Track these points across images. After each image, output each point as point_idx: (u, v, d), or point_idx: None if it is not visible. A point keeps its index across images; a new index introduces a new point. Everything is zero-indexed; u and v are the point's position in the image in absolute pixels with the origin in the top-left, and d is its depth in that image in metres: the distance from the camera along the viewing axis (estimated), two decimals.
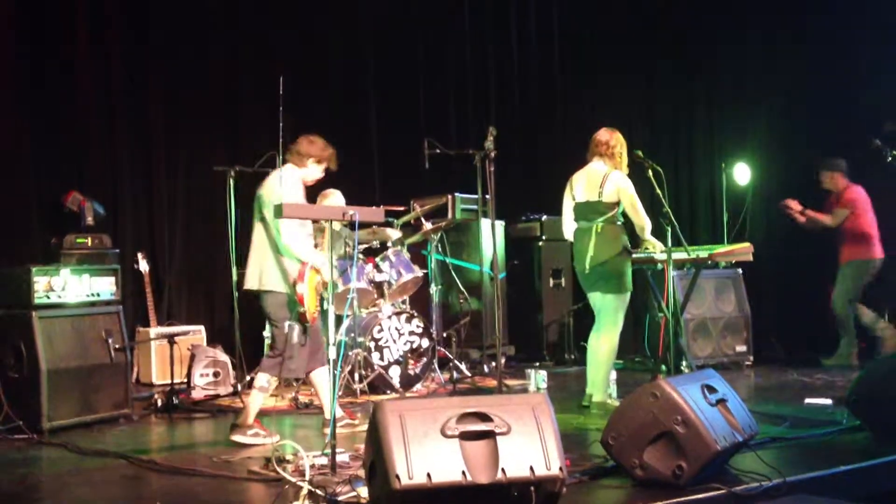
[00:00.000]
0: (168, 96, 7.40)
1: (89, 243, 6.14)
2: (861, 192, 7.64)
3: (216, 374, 6.45)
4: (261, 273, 4.89)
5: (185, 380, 6.41)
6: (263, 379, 4.91)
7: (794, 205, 7.62)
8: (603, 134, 5.76)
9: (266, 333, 6.61)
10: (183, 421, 5.72)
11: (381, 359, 6.38)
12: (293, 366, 4.89)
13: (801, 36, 8.69)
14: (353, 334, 6.43)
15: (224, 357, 6.55)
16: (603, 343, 5.60)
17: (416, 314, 6.63)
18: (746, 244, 6.11)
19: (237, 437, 4.79)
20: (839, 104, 8.47)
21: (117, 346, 5.59)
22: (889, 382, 4.56)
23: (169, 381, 6.03)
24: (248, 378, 6.37)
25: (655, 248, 5.72)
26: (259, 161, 6.45)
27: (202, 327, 7.08)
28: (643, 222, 5.63)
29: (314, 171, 5.12)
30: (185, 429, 5.53)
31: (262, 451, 4.54)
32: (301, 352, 4.89)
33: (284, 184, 4.83)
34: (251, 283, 4.95)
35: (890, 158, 6.92)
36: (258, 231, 4.95)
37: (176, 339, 6.21)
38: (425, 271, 7.07)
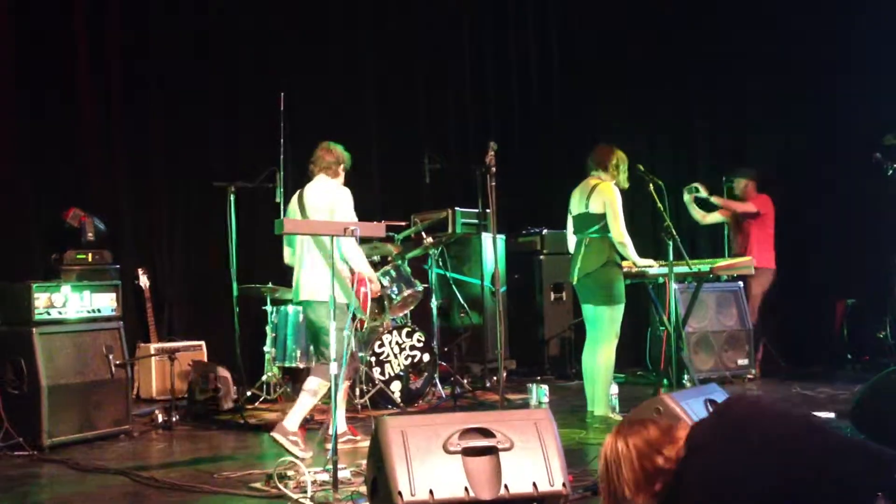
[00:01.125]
0: (168, 111, 7.41)
1: (90, 259, 6.13)
2: (770, 203, 7.66)
3: (217, 390, 6.43)
4: (317, 283, 4.92)
5: (186, 395, 6.38)
6: (315, 382, 4.83)
7: (703, 189, 7.43)
8: (600, 149, 5.82)
9: (267, 348, 6.60)
10: (184, 437, 5.69)
11: (383, 374, 6.36)
12: (349, 370, 4.95)
13: (800, 51, 8.70)
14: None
15: (225, 372, 6.53)
16: (599, 357, 5.60)
17: (417, 329, 6.62)
18: (747, 258, 6.12)
19: (278, 436, 4.68)
20: (837, 117, 8.49)
21: (118, 362, 5.58)
22: (889, 397, 4.53)
23: (169, 397, 6.01)
24: (248, 393, 6.36)
25: (641, 266, 5.73)
26: (260, 177, 6.49)
27: (203, 342, 7.05)
28: (621, 237, 5.59)
29: (343, 177, 5.23)
30: (186, 445, 5.51)
31: (266, 466, 4.52)
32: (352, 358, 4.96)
33: (345, 202, 5.00)
34: (307, 294, 5.00)
35: (891, 172, 6.93)
36: (310, 244, 4.98)
37: (176, 354, 6.20)
38: (426, 286, 7.06)
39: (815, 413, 5.58)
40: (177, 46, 7.45)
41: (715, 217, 6.60)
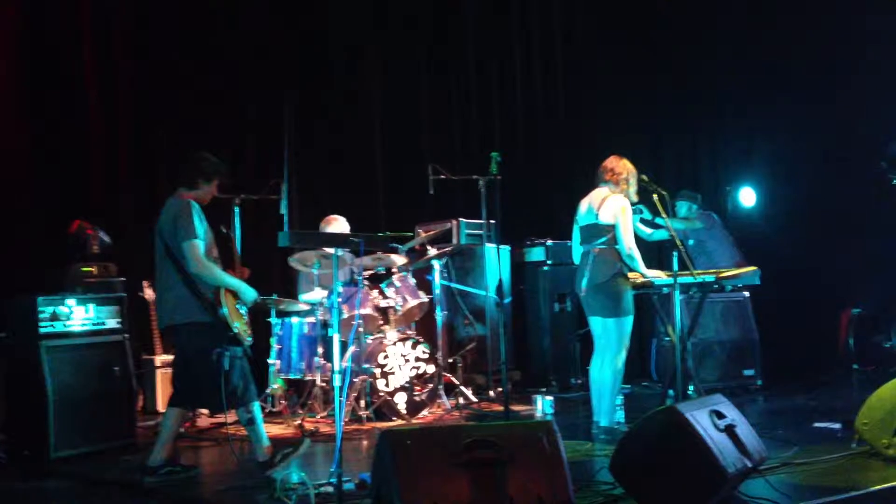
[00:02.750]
0: (171, 124, 7.43)
1: (95, 272, 6.13)
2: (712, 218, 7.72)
3: None
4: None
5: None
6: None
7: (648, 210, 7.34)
8: (610, 161, 5.79)
9: (272, 360, 6.60)
10: (188, 449, 5.68)
11: (387, 385, 6.35)
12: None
13: (804, 60, 8.71)
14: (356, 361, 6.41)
15: None
16: (607, 369, 5.57)
17: (421, 340, 6.61)
18: (752, 267, 6.10)
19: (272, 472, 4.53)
20: (842, 124, 8.48)
21: (123, 375, 5.58)
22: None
23: None
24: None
25: (648, 277, 5.72)
26: (265, 189, 6.50)
27: None
28: (629, 250, 5.57)
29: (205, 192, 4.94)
30: (191, 457, 5.49)
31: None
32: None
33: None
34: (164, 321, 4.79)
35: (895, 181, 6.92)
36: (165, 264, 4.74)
37: None
38: (431, 297, 7.06)
39: (821, 423, 5.57)
40: (182, 57, 7.47)
41: (661, 234, 6.59)
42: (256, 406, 4.77)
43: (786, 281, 7.72)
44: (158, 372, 6.75)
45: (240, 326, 4.71)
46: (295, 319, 6.68)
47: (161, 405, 6.72)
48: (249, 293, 4.82)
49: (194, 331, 4.65)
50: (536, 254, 8.30)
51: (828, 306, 8.25)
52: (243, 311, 4.83)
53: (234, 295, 4.75)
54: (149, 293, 6.80)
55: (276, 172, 6.50)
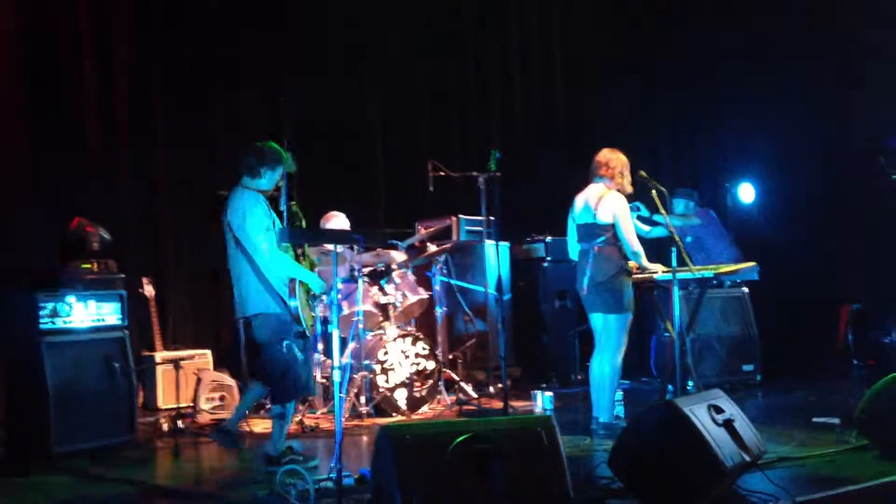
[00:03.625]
0: (171, 121, 7.44)
1: (95, 269, 6.14)
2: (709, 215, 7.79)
3: (222, 398, 6.45)
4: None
5: (191, 404, 6.40)
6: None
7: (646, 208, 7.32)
8: (603, 154, 5.77)
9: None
10: (189, 445, 5.70)
11: (387, 381, 6.36)
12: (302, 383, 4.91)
13: (802, 52, 8.70)
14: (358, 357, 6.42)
15: (230, 381, 6.56)
16: (606, 365, 5.59)
17: (421, 336, 6.63)
18: (751, 263, 6.11)
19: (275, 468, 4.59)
20: (841, 121, 8.49)
21: (123, 371, 5.59)
22: (895, 402, 4.53)
23: (175, 406, 6.02)
24: (267, 406, 6.34)
25: (650, 270, 5.73)
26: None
27: (208, 351, 7.06)
28: (634, 247, 5.58)
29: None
30: (191, 453, 5.52)
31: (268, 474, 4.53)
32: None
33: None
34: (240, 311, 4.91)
35: (894, 176, 6.93)
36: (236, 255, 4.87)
37: (182, 363, 6.19)
38: (430, 293, 7.07)
39: (820, 419, 5.58)
40: (181, 54, 7.47)
41: (659, 231, 6.60)
42: (292, 403, 4.96)
43: (785, 277, 7.72)
44: (159, 368, 6.75)
45: (307, 321, 4.85)
46: None
47: (162, 401, 6.74)
48: (318, 284, 4.90)
49: (265, 322, 4.78)
50: (536, 250, 8.31)
51: (827, 302, 8.25)
52: (312, 303, 4.95)
53: (306, 288, 4.88)
54: (149, 289, 6.82)
55: None
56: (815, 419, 5.63)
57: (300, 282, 4.84)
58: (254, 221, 4.72)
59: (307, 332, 4.89)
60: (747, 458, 3.87)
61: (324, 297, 6.54)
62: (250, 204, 4.77)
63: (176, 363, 6.11)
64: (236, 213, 4.78)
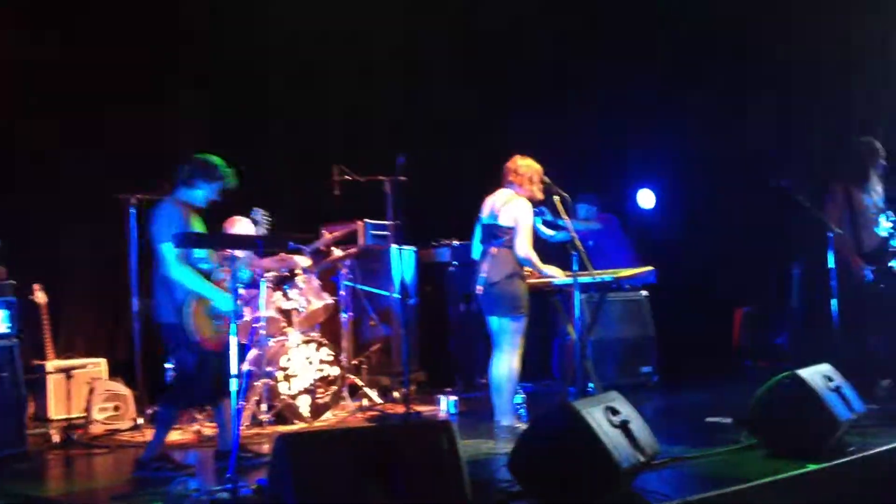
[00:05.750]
0: (64, 123, 7.15)
1: None
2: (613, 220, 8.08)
3: (117, 408, 6.27)
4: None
5: (84, 414, 6.19)
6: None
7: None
8: (513, 162, 5.89)
9: (169, 365, 6.44)
10: (81, 457, 5.52)
11: (290, 388, 6.28)
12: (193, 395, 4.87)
13: (708, 67, 8.93)
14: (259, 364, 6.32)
15: (125, 390, 6.37)
16: (503, 367, 5.66)
17: (325, 342, 6.56)
18: (649, 267, 6.27)
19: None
20: (736, 132, 8.77)
21: (12, 381, 5.38)
22: (785, 401, 4.70)
23: (66, 416, 5.82)
24: (149, 411, 6.19)
25: (547, 275, 5.82)
26: (162, 188, 6.33)
27: (103, 360, 6.83)
28: (525, 254, 5.66)
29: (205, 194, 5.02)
30: (83, 465, 5.34)
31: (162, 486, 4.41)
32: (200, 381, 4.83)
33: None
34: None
35: (781, 184, 7.19)
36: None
37: (74, 372, 6.02)
38: (335, 298, 7.02)
39: (713, 418, 5.75)
40: (72, 44, 7.19)
41: (563, 235, 6.74)
42: (174, 409, 4.99)
43: (682, 281, 7.94)
44: (50, 378, 6.49)
45: (205, 333, 4.78)
46: None
47: (53, 412, 6.49)
48: (224, 301, 4.81)
49: (168, 332, 4.85)
50: (442, 254, 8.34)
51: (722, 305, 8.52)
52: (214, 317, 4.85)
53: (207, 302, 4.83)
54: (40, 296, 6.56)
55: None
56: (708, 419, 5.80)
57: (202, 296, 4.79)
58: (164, 232, 4.71)
59: (203, 346, 4.80)
60: (642, 459, 3.96)
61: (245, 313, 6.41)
62: (165, 215, 4.80)
63: (68, 372, 5.93)
64: (152, 223, 4.82)
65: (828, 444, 4.54)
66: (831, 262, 5.80)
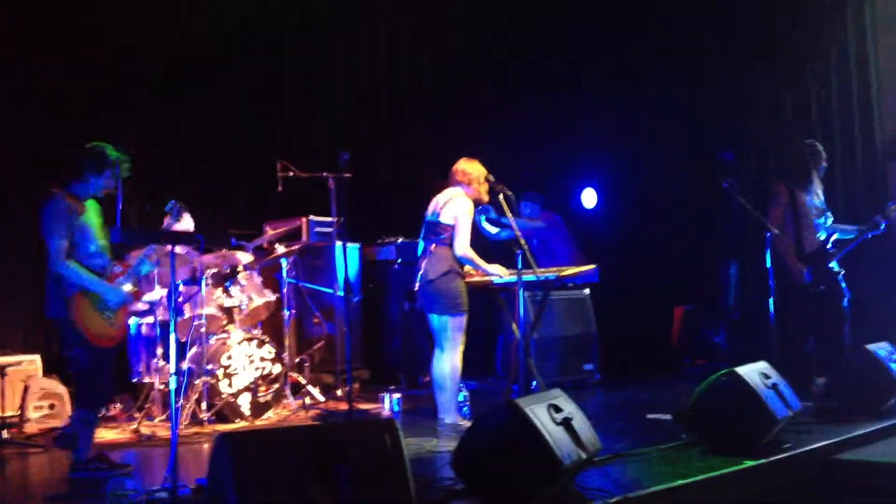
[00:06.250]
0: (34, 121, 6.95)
1: None
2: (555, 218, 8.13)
3: (52, 407, 6.12)
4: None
5: (18, 413, 6.02)
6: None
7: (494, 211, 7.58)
8: (460, 164, 5.95)
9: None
10: (15, 456, 5.36)
11: (230, 386, 6.19)
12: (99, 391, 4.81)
13: (658, 64, 9.04)
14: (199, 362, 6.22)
15: (61, 388, 6.21)
16: (445, 365, 5.67)
17: (267, 340, 6.48)
18: (592, 266, 6.33)
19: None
20: (677, 132, 8.91)
21: None
22: (724, 398, 4.78)
23: (0, 415, 5.66)
24: None
25: (490, 273, 5.85)
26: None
27: (37, 357, 6.65)
28: (463, 252, 5.70)
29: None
30: (17, 464, 5.19)
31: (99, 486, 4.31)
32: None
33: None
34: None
35: (725, 185, 7.32)
36: None
37: (8, 370, 5.85)
38: (278, 295, 6.94)
39: (653, 415, 5.84)
40: None
41: (507, 233, 6.80)
42: (97, 409, 4.86)
43: (624, 279, 8.04)
44: None
45: (98, 330, 4.67)
46: (132, 320, 6.40)
47: None
48: (114, 297, 4.74)
49: (61, 328, 4.73)
50: (387, 252, 8.31)
51: (662, 303, 8.65)
52: (106, 312, 4.74)
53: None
54: None
55: None
56: (648, 416, 5.88)
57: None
58: (49, 227, 4.66)
59: (92, 343, 4.69)
60: (584, 456, 3.99)
61: (163, 300, 6.29)
62: (50, 209, 4.72)
63: (2, 370, 5.76)
64: (41, 219, 4.73)
65: (765, 441, 4.64)
66: (768, 262, 5.92)
